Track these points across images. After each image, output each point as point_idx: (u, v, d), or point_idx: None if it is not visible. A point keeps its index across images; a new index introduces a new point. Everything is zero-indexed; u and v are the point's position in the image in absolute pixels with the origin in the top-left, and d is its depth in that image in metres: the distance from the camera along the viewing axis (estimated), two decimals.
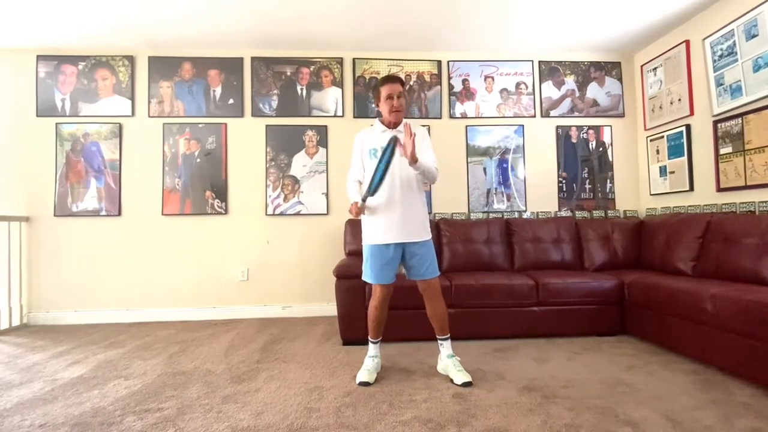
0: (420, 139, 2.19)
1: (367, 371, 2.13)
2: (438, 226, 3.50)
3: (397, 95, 2.14)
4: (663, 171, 3.68)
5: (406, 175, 2.14)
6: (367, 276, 2.20)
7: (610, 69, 4.05)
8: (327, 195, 3.82)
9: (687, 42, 3.37)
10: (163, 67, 3.78)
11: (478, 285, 2.87)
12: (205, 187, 3.76)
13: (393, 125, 2.20)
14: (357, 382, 2.10)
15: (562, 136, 3.99)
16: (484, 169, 3.94)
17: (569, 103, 4.01)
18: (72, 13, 3.13)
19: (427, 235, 2.18)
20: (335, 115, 3.87)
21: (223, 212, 3.77)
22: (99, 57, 3.74)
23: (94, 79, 3.74)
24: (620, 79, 4.05)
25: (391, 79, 2.18)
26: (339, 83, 3.88)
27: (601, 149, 4.01)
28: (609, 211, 3.96)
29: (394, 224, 2.11)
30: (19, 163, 3.65)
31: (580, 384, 2.05)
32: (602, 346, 2.69)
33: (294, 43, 3.73)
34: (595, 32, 3.61)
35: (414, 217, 2.14)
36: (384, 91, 2.15)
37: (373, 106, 3.87)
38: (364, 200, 2.11)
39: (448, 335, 2.19)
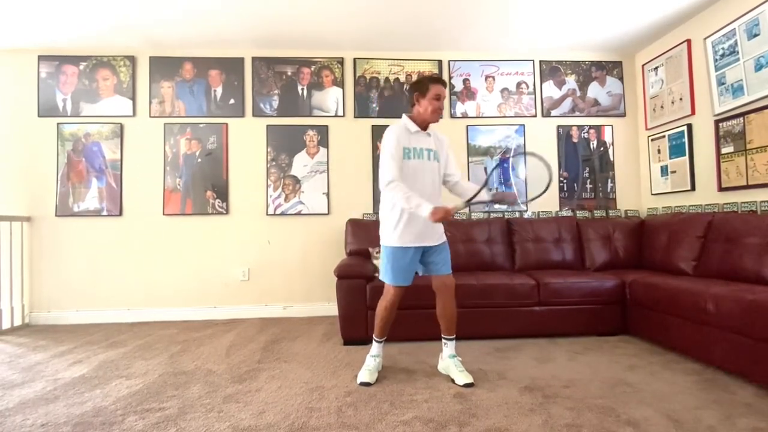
0: (447, 149, 2.26)
1: (368, 371, 2.13)
2: None
3: (443, 97, 2.13)
4: (664, 170, 3.68)
5: (438, 182, 2.20)
6: (384, 276, 2.17)
7: (611, 68, 4.04)
8: (328, 195, 3.82)
9: (688, 41, 3.36)
10: (164, 67, 3.78)
11: (480, 285, 2.86)
12: (206, 187, 3.76)
13: (425, 127, 2.16)
14: (358, 382, 2.10)
15: (563, 135, 3.99)
16: (485, 169, 3.93)
17: (570, 103, 4.01)
18: (73, 13, 3.13)
19: (444, 237, 2.22)
20: (336, 115, 3.87)
21: (224, 212, 3.77)
22: (100, 57, 3.75)
23: (95, 80, 3.74)
24: (621, 79, 4.04)
25: (442, 81, 2.14)
26: (340, 83, 3.88)
27: (602, 149, 4.01)
28: (610, 211, 3.95)
29: (419, 229, 2.09)
30: (20, 163, 3.65)
31: (582, 384, 2.05)
32: (603, 345, 2.68)
33: (295, 43, 3.73)
34: (596, 32, 3.61)
35: (437, 223, 2.11)
36: (434, 90, 2.09)
37: (375, 105, 3.87)
38: (468, 202, 2.07)
39: (454, 336, 2.19)
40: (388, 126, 2.17)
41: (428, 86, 2.10)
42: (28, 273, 3.62)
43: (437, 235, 2.17)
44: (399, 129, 2.12)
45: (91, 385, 2.13)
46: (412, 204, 1.96)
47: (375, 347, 2.23)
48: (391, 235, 2.13)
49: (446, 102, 3.92)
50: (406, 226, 2.09)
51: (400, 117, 2.25)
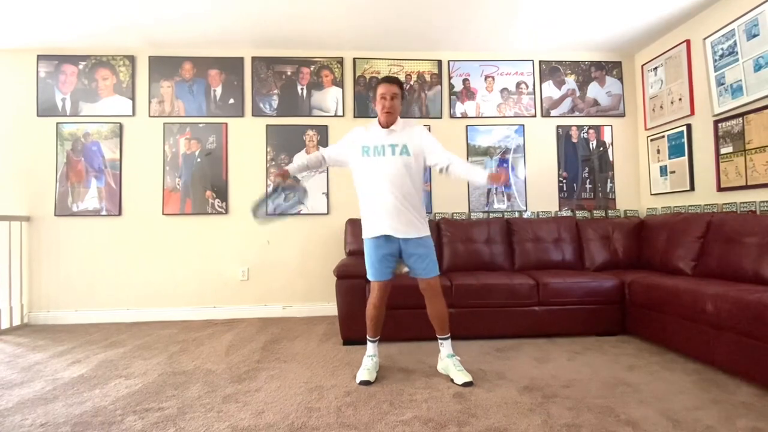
0: (420, 138, 2.19)
1: (367, 370, 2.13)
2: (438, 226, 3.49)
3: (390, 96, 2.14)
4: (663, 171, 3.68)
5: (409, 176, 2.14)
6: (368, 272, 2.23)
7: (610, 68, 4.04)
8: (327, 195, 3.82)
9: (688, 41, 3.36)
10: (164, 66, 3.78)
11: (479, 285, 2.86)
12: (205, 186, 3.76)
13: (386, 125, 2.20)
14: (357, 381, 2.10)
15: (563, 135, 3.99)
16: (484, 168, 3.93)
17: (570, 103, 4.01)
18: (72, 12, 3.13)
19: (421, 232, 2.15)
20: (336, 115, 3.87)
21: (224, 212, 3.77)
22: (99, 57, 3.74)
23: (95, 79, 3.74)
24: (621, 79, 4.04)
25: (388, 79, 2.20)
26: (339, 83, 3.88)
27: (601, 149, 4.01)
28: (609, 211, 3.96)
29: (384, 216, 2.12)
30: (19, 163, 3.65)
31: (581, 384, 2.05)
32: (603, 345, 2.68)
33: (294, 43, 3.73)
34: (596, 32, 3.61)
35: (407, 212, 2.12)
36: (379, 90, 2.18)
37: (373, 105, 3.87)
38: (276, 187, 2.32)
39: (449, 335, 2.20)
40: None
41: (376, 88, 2.20)
42: (28, 273, 3.62)
43: (408, 229, 2.11)
44: (362, 129, 2.26)
45: (90, 384, 2.13)
46: (294, 159, 2.38)
47: (370, 347, 2.24)
48: (364, 228, 2.22)
49: (446, 102, 3.94)
50: (372, 216, 2.16)
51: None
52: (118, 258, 3.68)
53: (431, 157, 2.20)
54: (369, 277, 2.22)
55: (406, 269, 2.25)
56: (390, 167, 2.13)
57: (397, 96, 2.18)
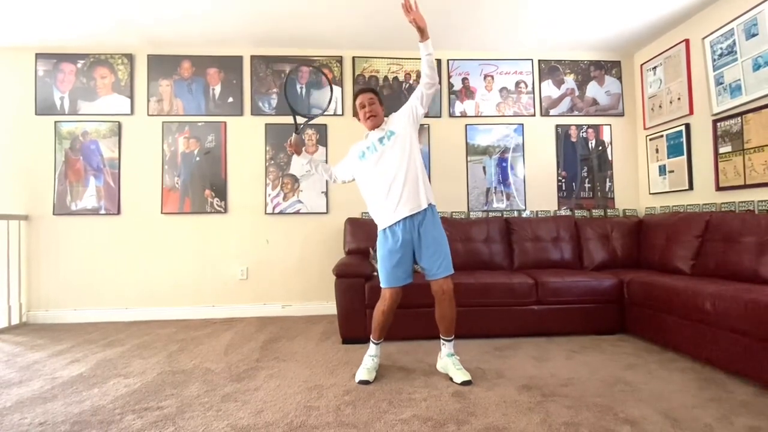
0: (399, 112, 2.25)
1: (366, 370, 2.13)
2: None
3: (368, 102, 2.23)
4: (662, 170, 3.68)
5: (406, 156, 2.15)
6: (381, 278, 2.19)
7: (609, 68, 4.05)
8: (326, 194, 3.82)
9: (687, 41, 3.37)
10: (163, 65, 3.77)
11: (478, 284, 2.87)
12: (204, 185, 3.75)
13: (374, 128, 2.26)
14: (356, 380, 2.10)
15: (562, 135, 3.99)
16: (484, 168, 3.94)
17: (569, 102, 4.01)
18: (71, 11, 3.12)
19: (429, 199, 2.16)
20: (335, 114, 3.87)
21: (223, 211, 3.76)
22: (98, 55, 3.73)
23: (93, 78, 3.73)
24: (620, 78, 4.05)
25: (362, 90, 2.31)
26: (338, 82, 3.88)
27: (600, 148, 4.01)
28: (608, 210, 3.96)
29: (392, 204, 2.13)
30: (18, 162, 3.64)
31: (580, 382, 2.05)
32: (601, 344, 2.69)
33: (293, 42, 3.72)
34: (595, 31, 3.61)
35: (410, 186, 2.12)
36: (357, 101, 2.28)
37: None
38: (297, 132, 2.39)
39: (453, 337, 2.19)
40: None
41: (354, 100, 2.32)
42: (26, 272, 3.61)
43: (413, 201, 2.12)
44: (359, 142, 2.34)
45: (89, 384, 2.13)
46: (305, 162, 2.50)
47: (372, 348, 2.24)
48: (378, 222, 2.22)
49: (445, 101, 3.94)
50: (378, 210, 2.19)
51: None
52: (116, 257, 3.68)
53: (411, 104, 2.21)
54: (382, 284, 2.19)
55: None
56: (385, 158, 2.17)
57: (375, 101, 2.25)
